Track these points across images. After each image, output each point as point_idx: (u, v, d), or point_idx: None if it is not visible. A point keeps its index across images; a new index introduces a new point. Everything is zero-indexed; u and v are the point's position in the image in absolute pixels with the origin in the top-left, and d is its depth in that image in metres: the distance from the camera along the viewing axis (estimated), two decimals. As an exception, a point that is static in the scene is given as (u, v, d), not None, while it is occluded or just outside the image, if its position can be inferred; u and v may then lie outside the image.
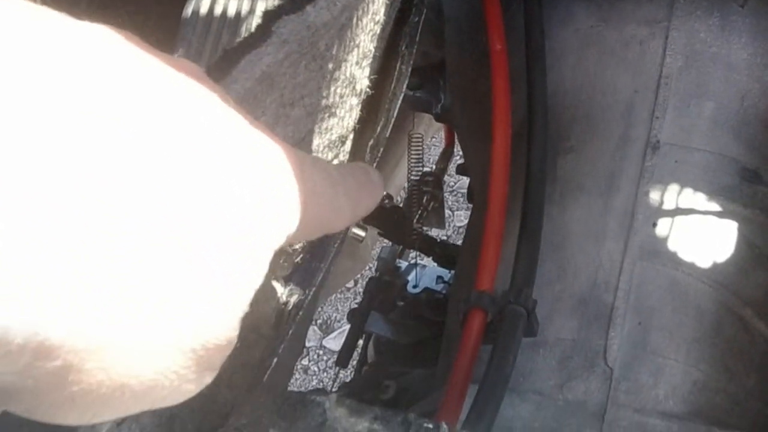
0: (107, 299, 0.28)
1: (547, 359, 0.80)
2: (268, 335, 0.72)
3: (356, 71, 0.72)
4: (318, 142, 0.70)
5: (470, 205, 1.24)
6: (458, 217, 3.23)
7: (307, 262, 0.75)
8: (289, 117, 0.64)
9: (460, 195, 3.29)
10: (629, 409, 0.75)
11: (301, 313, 0.73)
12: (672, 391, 0.77)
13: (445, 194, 1.62)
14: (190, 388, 0.35)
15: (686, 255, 0.82)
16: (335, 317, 3.14)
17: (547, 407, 0.77)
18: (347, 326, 1.47)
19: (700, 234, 0.84)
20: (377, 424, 0.54)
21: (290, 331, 0.71)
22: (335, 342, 2.93)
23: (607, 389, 0.77)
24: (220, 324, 0.33)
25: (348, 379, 1.53)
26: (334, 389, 1.07)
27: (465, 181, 3.10)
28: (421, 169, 1.43)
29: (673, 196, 0.85)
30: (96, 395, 0.30)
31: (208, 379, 0.36)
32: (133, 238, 0.29)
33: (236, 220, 0.33)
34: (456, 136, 1.47)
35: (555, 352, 0.80)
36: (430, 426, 0.53)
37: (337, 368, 1.39)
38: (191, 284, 0.31)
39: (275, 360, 0.69)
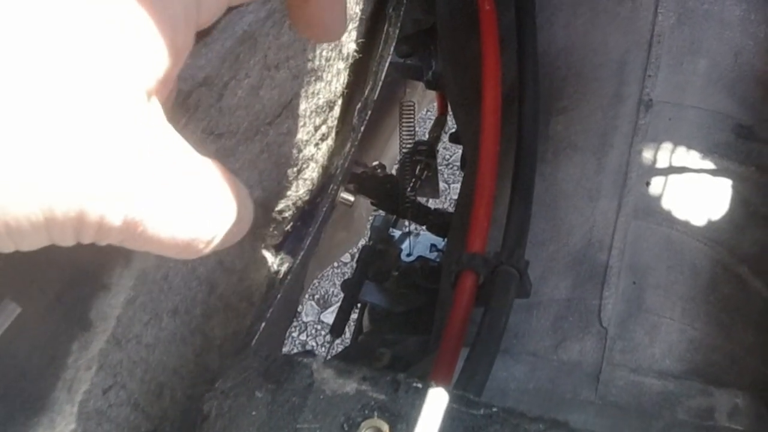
0: None
1: (541, 320, 0.79)
2: (259, 303, 0.71)
3: (343, 34, 0.70)
4: (305, 106, 0.69)
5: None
6: (454, 189, 3.22)
7: (297, 229, 0.75)
8: (274, 79, 0.63)
9: (455, 167, 3.28)
10: (625, 369, 0.75)
11: (289, 277, 0.73)
12: (668, 350, 0.76)
13: (441, 167, 1.62)
14: None
15: (680, 213, 0.81)
16: (332, 292, 3.14)
17: (542, 368, 0.76)
18: (345, 300, 1.48)
19: (694, 192, 0.83)
20: (365, 384, 0.53)
21: (278, 296, 0.70)
22: (333, 316, 2.93)
23: (602, 349, 0.76)
24: None
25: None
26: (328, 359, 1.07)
27: (460, 153, 3.10)
28: (414, 138, 1.42)
29: (666, 153, 0.84)
30: None
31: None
32: None
33: None
34: (448, 104, 1.46)
35: (549, 313, 0.79)
36: (419, 386, 0.52)
37: (332, 338, 1.38)
38: None
39: (263, 325, 0.68)
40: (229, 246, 0.40)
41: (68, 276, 0.45)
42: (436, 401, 0.50)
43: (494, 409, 0.51)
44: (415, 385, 0.52)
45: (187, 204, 0.34)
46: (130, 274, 0.48)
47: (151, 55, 0.32)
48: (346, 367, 0.54)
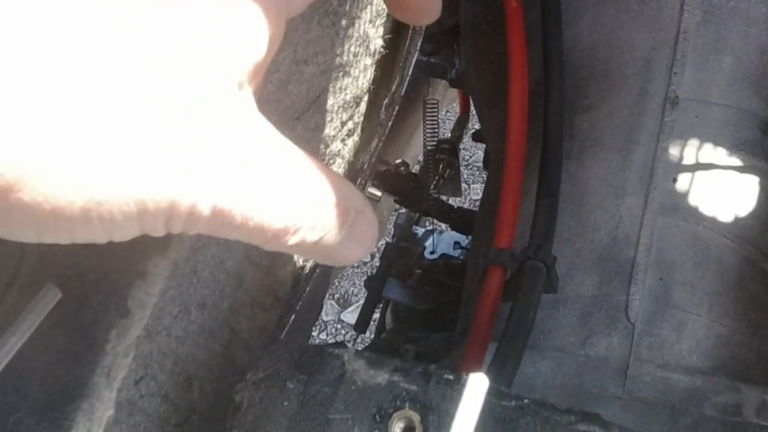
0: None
1: (568, 316, 0.79)
2: (286, 298, 0.72)
3: (370, 30, 0.71)
4: (332, 101, 0.70)
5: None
6: (474, 190, 3.22)
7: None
8: (303, 74, 0.63)
9: (475, 168, 3.28)
10: (652, 365, 0.75)
11: (317, 271, 0.73)
12: (695, 346, 0.76)
13: (461, 168, 1.62)
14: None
15: (707, 210, 0.81)
16: (352, 291, 3.14)
17: (569, 364, 0.76)
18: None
19: (721, 189, 0.83)
20: (397, 375, 0.53)
21: (307, 288, 0.70)
22: (353, 316, 2.93)
23: (629, 345, 0.76)
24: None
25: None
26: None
27: (480, 154, 3.11)
28: (436, 136, 1.42)
29: (693, 150, 0.84)
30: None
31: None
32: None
33: None
34: (471, 102, 1.45)
35: (575, 309, 0.79)
36: (451, 377, 0.52)
37: (355, 335, 1.39)
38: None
39: (293, 317, 0.69)
40: (349, 257, 0.39)
41: (107, 262, 0.46)
42: (476, 386, 0.50)
43: (525, 401, 0.51)
44: (446, 376, 0.52)
45: (276, 193, 0.34)
46: (166, 263, 0.49)
47: (243, 46, 0.33)
48: (377, 358, 0.54)
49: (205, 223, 0.33)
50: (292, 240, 0.36)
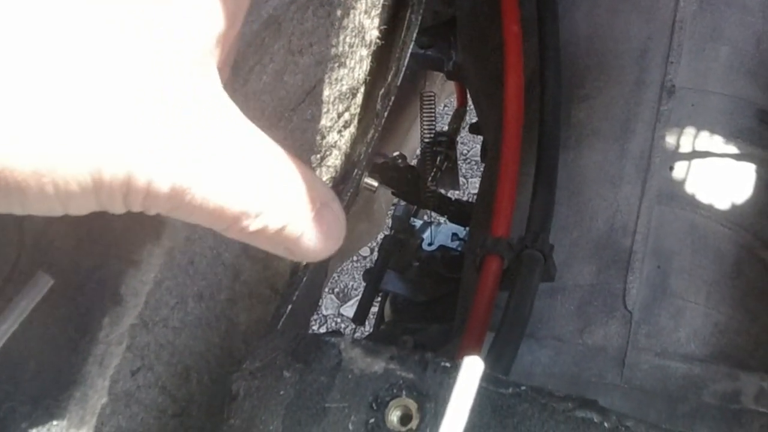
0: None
1: (566, 305, 0.79)
2: (283, 291, 0.71)
3: (365, 20, 0.71)
4: (328, 92, 0.70)
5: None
6: (472, 184, 3.22)
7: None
8: (298, 65, 0.63)
9: (473, 162, 3.28)
10: (650, 353, 0.75)
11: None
12: (693, 334, 0.76)
13: (459, 162, 1.63)
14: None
15: (704, 198, 0.81)
16: (352, 285, 3.14)
17: (567, 352, 0.76)
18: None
19: (718, 177, 0.83)
20: (394, 363, 0.53)
21: (304, 279, 0.70)
22: (352, 310, 2.93)
23: (627, 333, 0.76)
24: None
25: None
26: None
27: (478, 148, 3.11)
28: (434, 129, 1.42)
29: (689, 139, 0.84)
30: None
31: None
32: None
33: None
34: (468, 94, 1.45)
35: (573, 298, 0.79)
36: (448, 365, 0.52)
37: (354, 327, 1.39)
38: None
39: (289, 307, 0.68)
40: (316, 251, 0.39)
41: (100, 250, 0.46)
42: (471, 369, 0.50)
43: (522, 388, 0.51)
44: (443, 364, 0.52)
45: (235, 175, 0.34)
46: (160, 251, 0.49)
47: (203, 19, 0.33)
48: (373, 347, 0.54)
49: (165, 201, 0.32)
50: (254, 225, 0.35)
